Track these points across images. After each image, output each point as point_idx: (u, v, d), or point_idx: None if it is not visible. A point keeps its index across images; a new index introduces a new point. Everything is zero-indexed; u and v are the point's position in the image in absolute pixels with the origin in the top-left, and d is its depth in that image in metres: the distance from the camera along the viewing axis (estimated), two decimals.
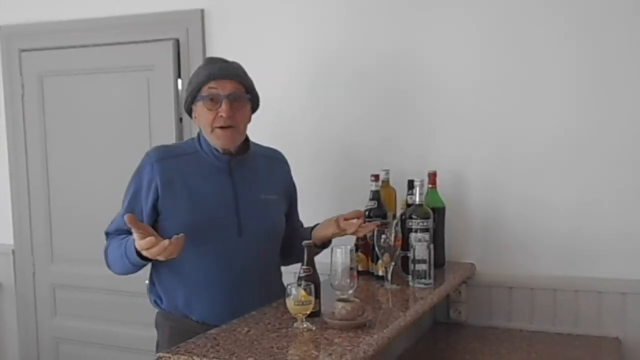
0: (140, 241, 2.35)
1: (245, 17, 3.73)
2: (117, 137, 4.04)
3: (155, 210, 2.61)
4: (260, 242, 2.69)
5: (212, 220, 2.60)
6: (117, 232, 2.67)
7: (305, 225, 2.99)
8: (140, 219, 2.55)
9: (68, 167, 4.25)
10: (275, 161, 2.92)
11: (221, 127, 2.60)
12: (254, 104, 2.73)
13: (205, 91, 2.61)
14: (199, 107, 2.64)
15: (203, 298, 2.61)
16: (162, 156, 2.66)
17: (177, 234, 2.36)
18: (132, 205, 2.63)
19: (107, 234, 2.73)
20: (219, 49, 3.74)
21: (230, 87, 2.61)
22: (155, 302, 2.75)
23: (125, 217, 2.36)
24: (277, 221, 2.81)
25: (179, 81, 3.90)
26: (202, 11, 3.81)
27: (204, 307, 2.61)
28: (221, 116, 2.58)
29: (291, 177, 2.97)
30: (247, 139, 2.76)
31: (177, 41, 3.87)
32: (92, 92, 4.15)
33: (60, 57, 4.22)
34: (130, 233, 2.59)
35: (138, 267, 2.59)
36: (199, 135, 2.73)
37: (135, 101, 4.00)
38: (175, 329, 2.60)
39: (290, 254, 2.87)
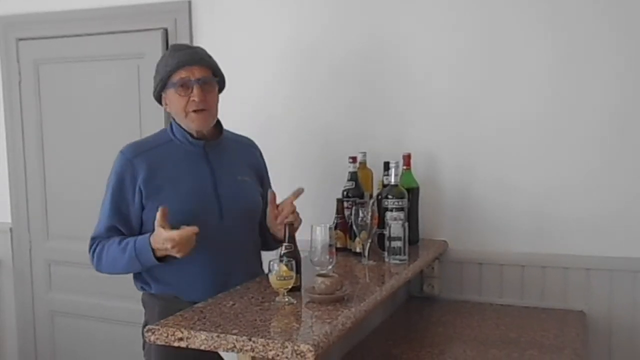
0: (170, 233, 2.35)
1: (231, 8, 3.67)
2: (109, 121, 4.01)
3: (141, 206, 2.54)
4: (243, 224, 2.65)
5: (195, 208, 2.54)
6: (107, 234, 2.57)
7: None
8: (127, 217, 2.54)
9: (62, 150, 4.21)
10: (246, 146, 2.87)
11: (195, 111, 2.55)
12: (221, 84, 2.70)
13: (175, 78, 2.55)
14: (170, 94, 2.59)
15: (193, 281, 2.54)
16: (138, 151, 2.59)
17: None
18: (116, 204, 2.55)
19: (94, 238, 2.60)
20: (205, 39, 3.69)
21: (199, 72, 2.57)
22: (143, 287, 2.67)
23: (160, 209, 2.36)
24: (255, 201, 2.74)
25: None
26: (189, 2, 3.75)
27: (196, 289, 2.50)
28: (194, 101, 2.54)
29: (263, 161, 2.92)
30: (219, 123, 2.72)
31: (166, 30, 3.83)
32: (85, 79, 4.10)
33: (55, 45, 4.17)
34: (122, 233, 2.56)
35: (145, 268, 2.53)
36: (171, 124, 2.67)
37: (126, 87, 3.96)
38: (166, 308, 2.46)
39: (266, 240, 2.78)
